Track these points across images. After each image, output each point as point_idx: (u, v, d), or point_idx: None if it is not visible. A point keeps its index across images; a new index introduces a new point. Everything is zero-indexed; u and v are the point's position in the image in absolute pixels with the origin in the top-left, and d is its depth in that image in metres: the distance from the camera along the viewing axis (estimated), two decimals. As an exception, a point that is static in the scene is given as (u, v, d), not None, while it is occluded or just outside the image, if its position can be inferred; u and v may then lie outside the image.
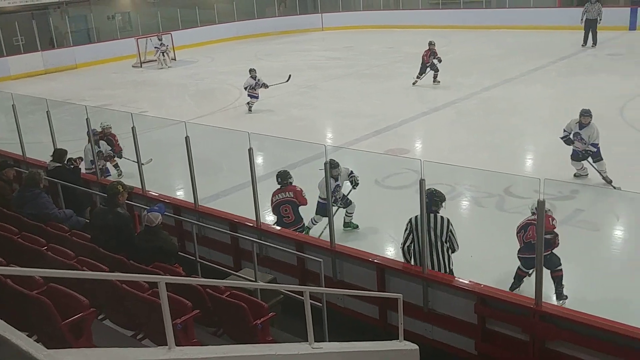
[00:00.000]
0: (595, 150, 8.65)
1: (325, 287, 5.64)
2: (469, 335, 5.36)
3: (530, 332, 4.94)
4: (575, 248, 6.75)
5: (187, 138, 7.00)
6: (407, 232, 5.82)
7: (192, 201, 7.57)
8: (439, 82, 16.07)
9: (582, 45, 19.83)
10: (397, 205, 8.22)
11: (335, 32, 30.27)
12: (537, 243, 4.81)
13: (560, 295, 6.00)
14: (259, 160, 9.18)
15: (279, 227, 7.15)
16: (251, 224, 6.99)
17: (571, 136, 8.82)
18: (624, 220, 8.18)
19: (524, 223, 6.03)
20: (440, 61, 15.96)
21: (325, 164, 6.18)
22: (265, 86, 14.95)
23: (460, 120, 13.31)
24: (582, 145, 8.72)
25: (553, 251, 5.91)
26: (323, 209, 7.52)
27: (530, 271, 5.92)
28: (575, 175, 9.15)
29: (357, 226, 8.13)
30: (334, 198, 7.67)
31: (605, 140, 11.01)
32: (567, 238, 7.45)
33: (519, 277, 6.11)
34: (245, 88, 15.01)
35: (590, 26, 19.66)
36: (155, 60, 23.76)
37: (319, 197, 7.79)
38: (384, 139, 12.14)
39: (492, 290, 5.26)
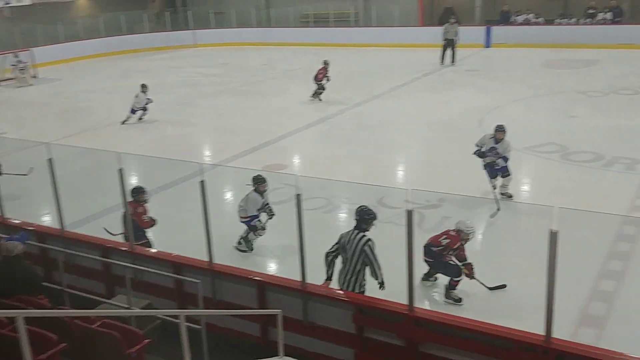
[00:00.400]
0: (505, 163, 8.92)
1: (206, 308, 5.49)
2: (348, 345, 5.46)
3: (405, 337, 5.13)
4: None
5: (50, 160, 6.59)
6: (335, 244, 5.79)
7: (59, 227, 7.12)
8: (320, 100, 16.40)
9: (440, 64, 20.99)
10: (276, 221, 8.22)
11: (209, 48, 30.01)
12: (409, 252, 4.98)
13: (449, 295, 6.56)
14: (132, 180, 8.83)
15: (154, 250, 6.91)
16: (124, 248, 6.69)
17: (484, 149, 8.96)
18: (484, 224, 8.73)
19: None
20: (328, 80, 16.30)
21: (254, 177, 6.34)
22: (150, 101, 15.19)
23: (334, 135, 13.65)
24: (495, 157, 8.90)
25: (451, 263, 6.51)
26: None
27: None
28: (502, 194, 9.08)
29: (253, 249, 7.93)
30: (259, 213, 7.60)
31: (464, 149, 11.81)
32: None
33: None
34: (138, 104, 15.09)
35: (449, 45, 20.94)
36: (13, 79, 22.21)
37: (241, 216, 7.73)
38: (262, 154, 12.17)
39: (369, 299, 5.40)
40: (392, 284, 5.47)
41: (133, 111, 15.15)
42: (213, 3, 32.14)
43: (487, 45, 24.34)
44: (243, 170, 10.15)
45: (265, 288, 5.90)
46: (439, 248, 6.48)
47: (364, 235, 5.55)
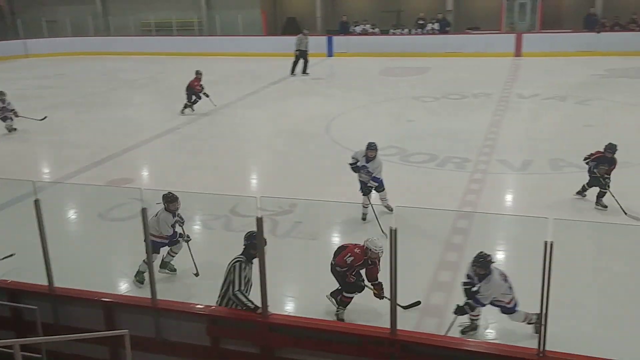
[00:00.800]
0: (377, 183, 8.65)
1: (48, 334, 5.13)
2: (203, 358, 5.39)
3: (261, 344, 5.17)
4: (297, 256, 7.23)
5: None
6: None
7: None
8: (193, 110, 15.98)
9: (291, 74, 21.22)
10: (125, 237, 7.90)
11: (42, 59, 28.01)
12: (260, 260, 5.03)
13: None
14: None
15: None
16: (-52, 279, 6.05)
17: (359, 164, 8.67)
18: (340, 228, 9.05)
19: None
20: (201, 91, 15.86)
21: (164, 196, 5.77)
22: (16, 114, 14.28)
23: (183, 145, 13.40)
24: (367, 177, 8.59)
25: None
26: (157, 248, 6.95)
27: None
28: (385, 207, 8.89)
29: (175, 270, 7.32)
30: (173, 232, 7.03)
31: (313, 155, 12.22)
32: (289, 249, 8.07)
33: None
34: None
35: (302, 56, 21.31)
36: None
37: (152, 234, 6.99)
38: (106, 169, 11.60)
39: (222, 310, 5.37)
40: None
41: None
42: (45, 11, 30.09)
43: (330, 54, 25.28)
44: (85, 186, 9.63)
45: (113, 309, 5.64)
46: (344, 269, 6.03)
47: (238, 261, 5.40)
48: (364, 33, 26.59)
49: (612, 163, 8.71)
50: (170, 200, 6.86)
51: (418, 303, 6.24)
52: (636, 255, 6.97)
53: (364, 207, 8.68)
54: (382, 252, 5.90)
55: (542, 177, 10.50)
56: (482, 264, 5.47)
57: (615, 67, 19.94)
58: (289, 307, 6.59)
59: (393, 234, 4.48)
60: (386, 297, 5.91)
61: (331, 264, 6.22)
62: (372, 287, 6.12)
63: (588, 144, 11.90)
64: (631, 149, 11.54)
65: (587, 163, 8.94)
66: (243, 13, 27.60)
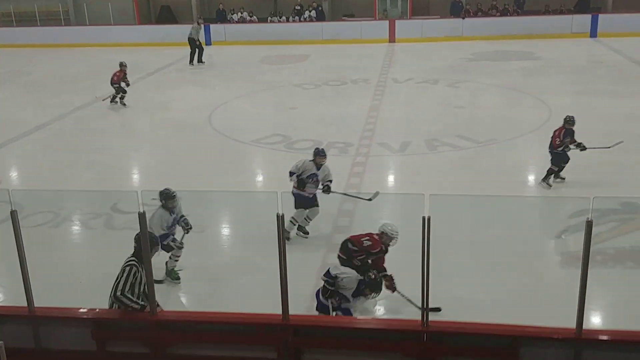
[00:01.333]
0: (329, 185, 7.82)
1: None
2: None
3: (150, 343, 5.02)
4: (185, 249, 7.01)
5: None
6: None
7: None
8: (125, 105, 15.00)
9: (190, 65, 20.59)
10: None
11: None
12: (145, 259, 4.87)
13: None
14: None
15: None
16: None
17: (305, 178, 7.66)
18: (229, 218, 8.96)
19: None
20: (128, 85, 14.89)
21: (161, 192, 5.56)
22: None
23: (55, 142, 12.63)
24: (314, 187, 7.71)
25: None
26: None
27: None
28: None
29: (179, 279, 6.81)
30: (169, 232, 6.52)
31: (197, 147, 11.99)
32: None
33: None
34: None
35: (195, 45, 20.67)
36: None
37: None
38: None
39: (106, 312, 5.14)
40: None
41: None
42: None
43: (208, 43, 24.78)
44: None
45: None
46: (355, 249, 5.87)
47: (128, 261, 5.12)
48: (242, 21, 26.34)
49: (573, 134, 9.11)
50: (167, 197, 6.43)
51: (439, 309, 5.58)
52: (508, 223, 7.48)
53: (292, 223, 7.77)
54: (396, 240, 5.87)
55: (419, 157, 10.98)
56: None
57: (480, 51, 21.20)
58: (183, 303, 6.47)
59: (279, 219, 4.49)
60: (399, 292, 5.93)
61: (344, 241, 6.11)
62: (375, 277, 5.81)
63: (460, 124, 12.70)
64: (497, 128, 12.42)
65: (563, 150, 9.00)
66: (113, 1, 26.35)
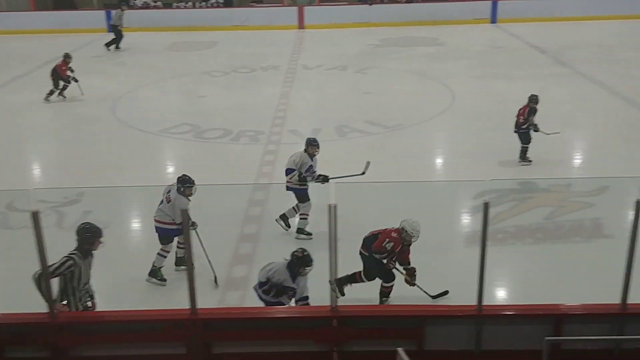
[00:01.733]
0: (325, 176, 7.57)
1: None
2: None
3: (50, 346, 4.75)
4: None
5: None
6: None
7: None
8: (65, 97, 14.08)
9: (116, 49, 20.19)
10: None
11: None
12: (39, 256, 4.60)
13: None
14: None
15: None
16: None
17: (304, 172, 7.39)
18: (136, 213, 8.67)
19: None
20: (72, 76, 13.95)
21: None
22: None
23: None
24: (311, 178, 7.47)
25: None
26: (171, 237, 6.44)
27: None
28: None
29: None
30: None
31: (101, 139, 11.53)
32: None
33: None
34: None
35: (119, 32, 20.07)
36: None
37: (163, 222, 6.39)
38: None
39: (5, 316, 4.83)
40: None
41: None
42: None
43: (110, 30, 23.72)
44: None
45: None
46: (383, 255, 5.87)
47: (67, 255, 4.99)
48: (146, 7, 25.42)
49: (536, 112, 9.30)
50: (186, 182, 6.35)
51: (446, 292, 6.11)
52: (415, 207, 7.65)
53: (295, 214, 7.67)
54: (417, 237, 5.82)
55: (330, 143, 11.03)
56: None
57: (387, 37, 21.56)
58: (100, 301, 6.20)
59: (190, 213, 4.36)
60: (417, 285, 6.01)
61: (360, 252, 6.05)
62: (403, 271, 6.01)
63: (369, 110, 12.88)
64: (405, 112, 12.70)
65: (527, 127, 9.24)
66: (5, -14, 24.75)
